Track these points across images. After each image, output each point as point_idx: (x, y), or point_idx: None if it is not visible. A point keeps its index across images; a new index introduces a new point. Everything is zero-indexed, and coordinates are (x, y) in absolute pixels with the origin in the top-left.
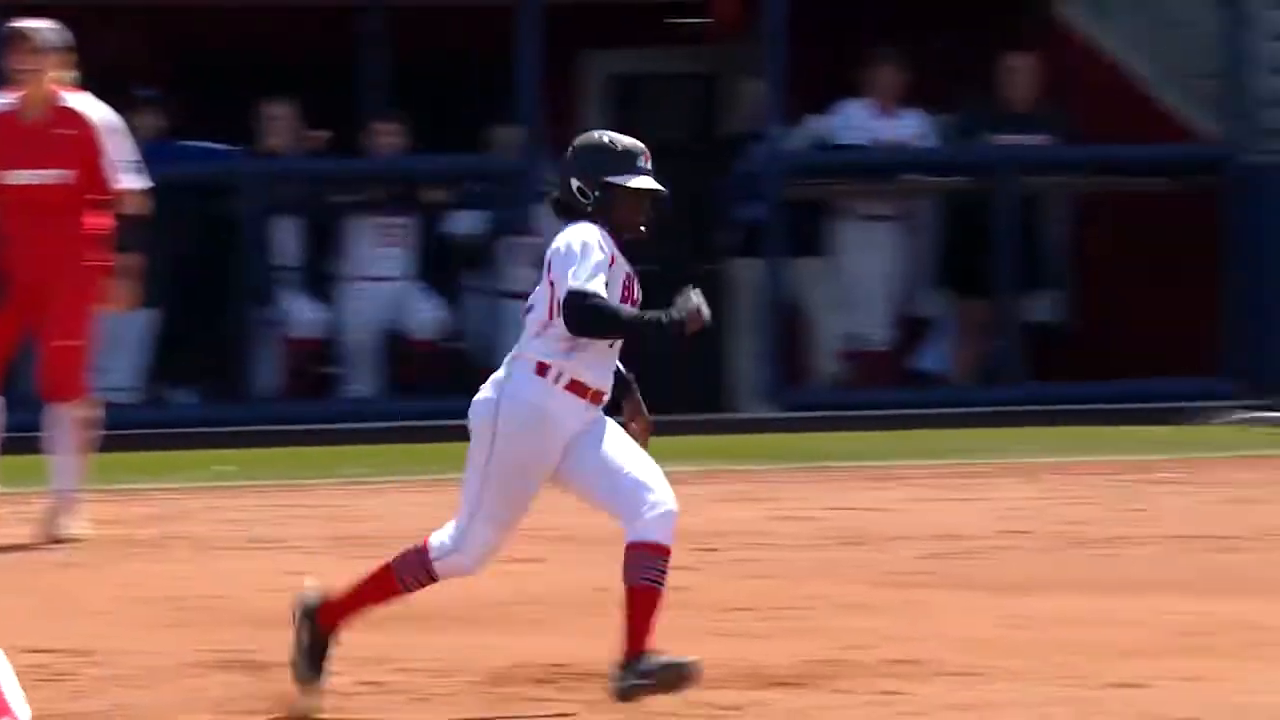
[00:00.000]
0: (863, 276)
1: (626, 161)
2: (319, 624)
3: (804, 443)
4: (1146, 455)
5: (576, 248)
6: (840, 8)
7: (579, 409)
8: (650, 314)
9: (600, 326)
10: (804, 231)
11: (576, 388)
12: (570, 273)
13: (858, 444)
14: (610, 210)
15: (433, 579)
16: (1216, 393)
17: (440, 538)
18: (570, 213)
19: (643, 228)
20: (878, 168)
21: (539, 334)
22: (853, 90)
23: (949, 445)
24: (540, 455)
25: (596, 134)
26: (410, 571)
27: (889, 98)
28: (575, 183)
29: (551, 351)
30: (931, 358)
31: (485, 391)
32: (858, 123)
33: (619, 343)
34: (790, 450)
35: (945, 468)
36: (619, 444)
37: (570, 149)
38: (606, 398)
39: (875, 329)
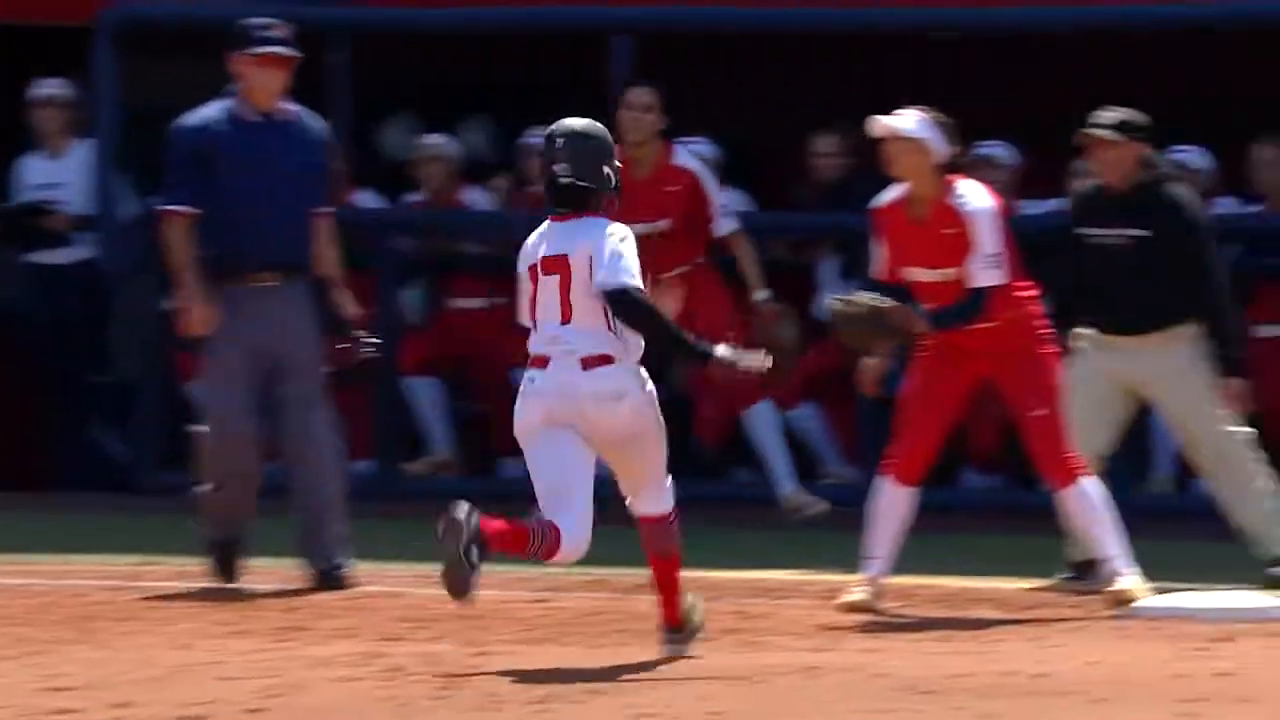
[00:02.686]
0: None
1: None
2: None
3: None
4: None
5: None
6: None
7: None
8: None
9: (651, 325)
10: None
11: None
12: (625, 267)
13: None
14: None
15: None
16: None
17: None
18: (580, 199)
19: None
20: None
21: (600, 327)
22: None
23: None
24: None
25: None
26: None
27: None
28: (607, 169)
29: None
30: None
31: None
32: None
33: None
34: None
35: None
36: None
37: (584, 135)
38: None
39: None
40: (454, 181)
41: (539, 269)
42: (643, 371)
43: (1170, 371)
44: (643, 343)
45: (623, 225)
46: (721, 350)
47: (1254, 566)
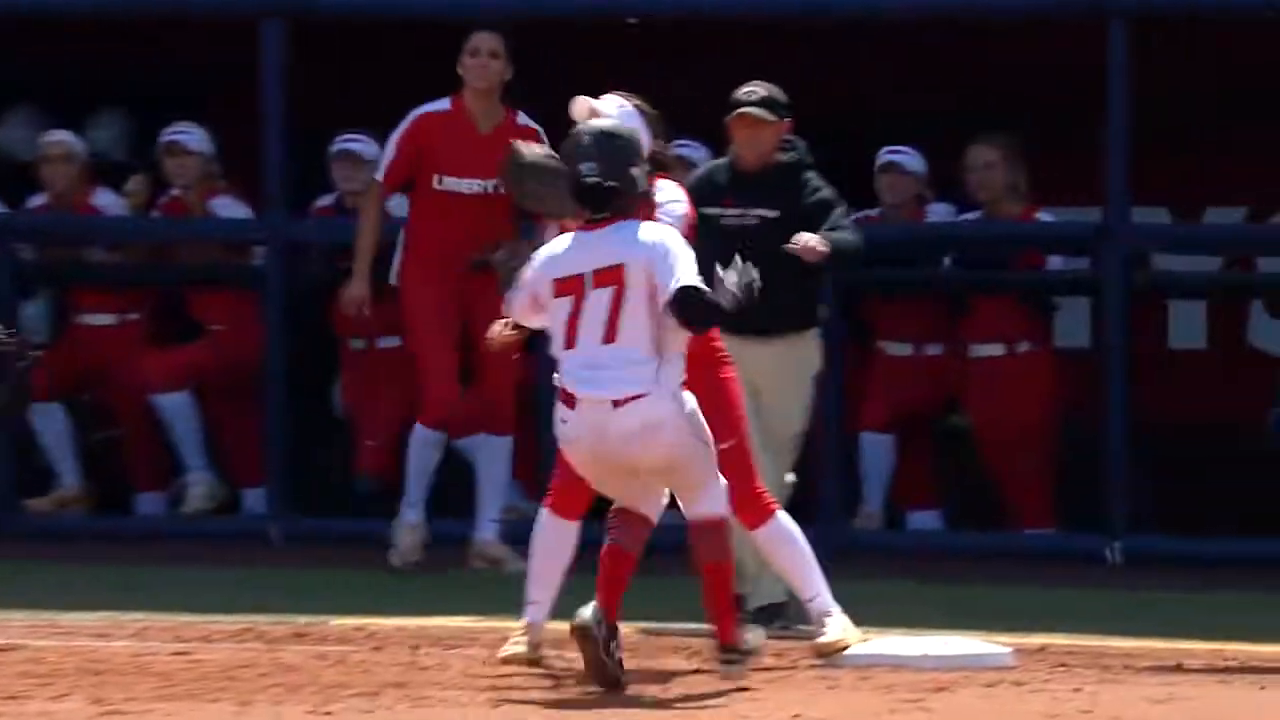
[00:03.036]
0: None
1: None
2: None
3: None
4: None
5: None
6: None
7: None
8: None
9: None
10: None
11: None
12: (689, 268)
13: None
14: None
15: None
16: None
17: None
18: (607, 201)
19: None
20: None
21: (640, 350)
22: None
23: None
24: None
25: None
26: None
27: None
28: (636, 171)
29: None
30: None
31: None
32: None
33: None
34: None
35: None
36: None
37: (612, 135)
38: None
39: None
40: (82, 183)
41: (587, 283)
42: (680, 390)
43: (784, 378)
44: (683, 361)
45: (663, 225)
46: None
47: (970, 608)
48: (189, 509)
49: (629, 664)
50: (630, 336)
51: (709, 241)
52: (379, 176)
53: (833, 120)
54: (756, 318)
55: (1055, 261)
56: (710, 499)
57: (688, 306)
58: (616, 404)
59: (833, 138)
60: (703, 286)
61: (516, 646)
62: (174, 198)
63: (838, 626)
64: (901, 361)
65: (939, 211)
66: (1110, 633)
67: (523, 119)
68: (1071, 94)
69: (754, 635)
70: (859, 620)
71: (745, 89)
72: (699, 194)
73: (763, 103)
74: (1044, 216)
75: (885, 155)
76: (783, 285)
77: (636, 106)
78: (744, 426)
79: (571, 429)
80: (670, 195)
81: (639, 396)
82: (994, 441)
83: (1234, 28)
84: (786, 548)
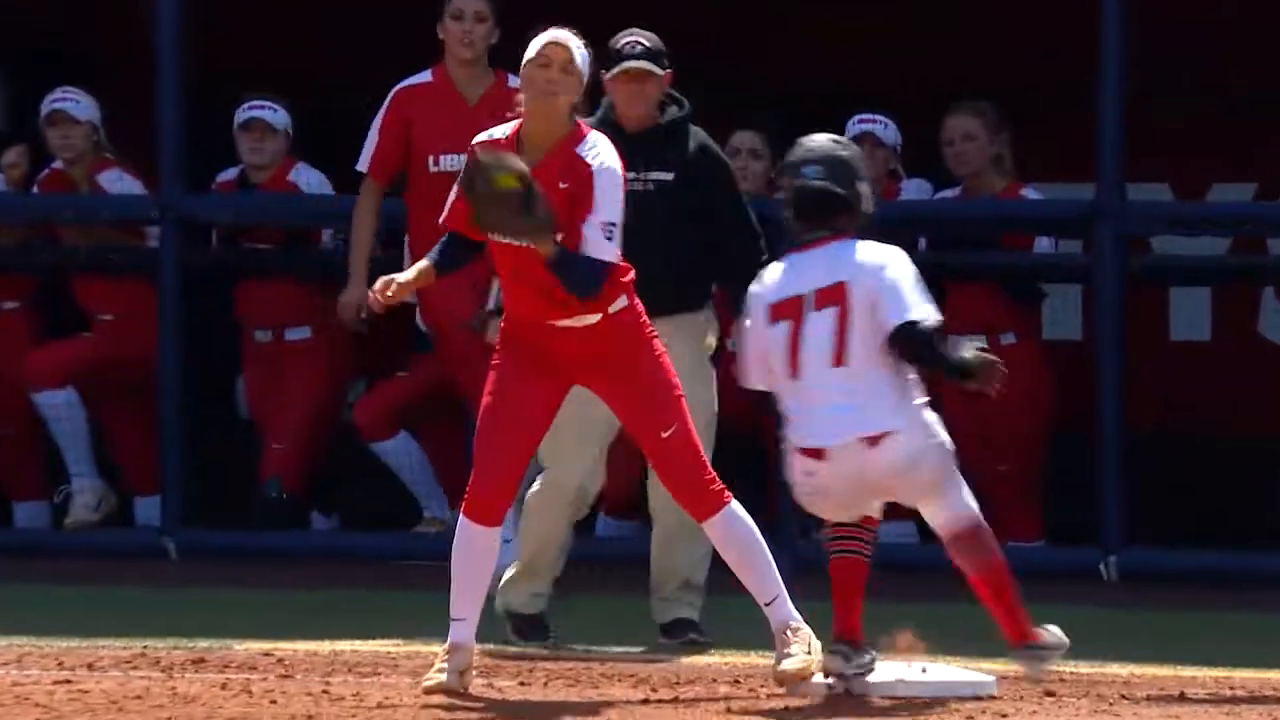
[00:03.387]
0: None
1: None
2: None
3: None
4: None
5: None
6: None
7: None
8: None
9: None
10: None
11: None
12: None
13: None
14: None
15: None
16: None
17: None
18: (831, 211)
19: None
20: None
21: (877, 370)
22: None
23: None
24: None
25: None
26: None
27: None
28: (862, 187)
29: None
30: None
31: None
32: None
33: None
34: None
35: None
36: None
37: (838, 145)
38: None
39: None
40: None
41: (807, 304)
42: (925, 413)
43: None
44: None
45: (893, 246)
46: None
47: (950, 629)
48: (73, 520)
49: (569, 696)
50: (861, 358)
51: None
52: (363, 168)
53: (794, 86)
54: (655, 296)
55: (1043, 244)
56: (954, 503)
57: (913, 345)
58: (872, 442)
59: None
60: (930, 326)
61: (440, 675)
62: (57, 171)
63: (801, 648)
64: None
65: (913, 189)
66: (1105, 657)
67: (514, 81)
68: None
69: (1053, 631)
70: (826, 644)
71: (625, 40)
72: None
73: (647, 54)
74: (1030, 194)
75: (857, 124)
76: (677, 257)
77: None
78: (685, 406)
79: (823, 480)
80: (601, 145)
81: (893, 433)
82: (975, 445)
83: None
84: (739, 542)
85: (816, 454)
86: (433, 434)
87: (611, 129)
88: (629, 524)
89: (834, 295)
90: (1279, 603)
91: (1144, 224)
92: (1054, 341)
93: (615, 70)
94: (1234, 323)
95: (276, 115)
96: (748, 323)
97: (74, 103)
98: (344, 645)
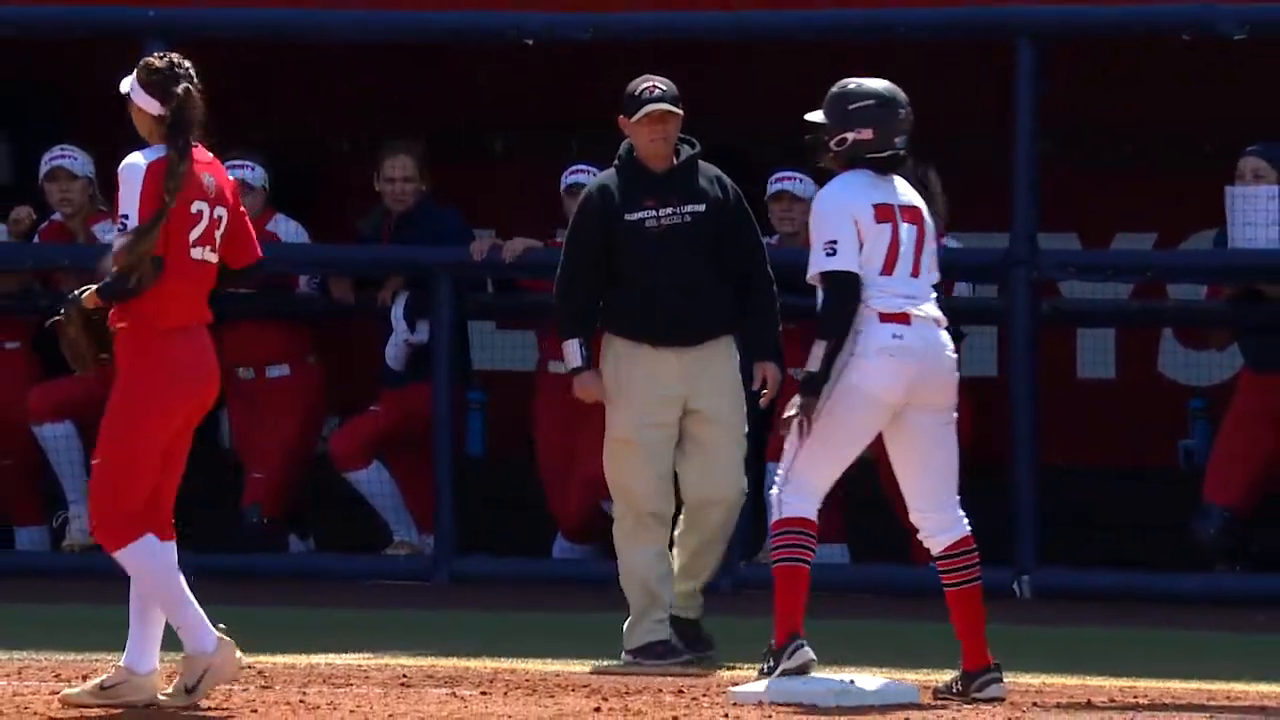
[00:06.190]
0: None
1: None
2: None
3: None
4: None
5: None
6: None
7: None
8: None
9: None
10: None
11: None
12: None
13: None
14: None
15: None
16: None
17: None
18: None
19: None
20: None
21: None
22: None
23: None
24: None
25: None
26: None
27: None
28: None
29: None
30: None
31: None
32: None
33: None
34: None
35: None
36: None
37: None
38: None
39: None
40: None
41: (899, 214)
42: None
43: (720, 380)
44: None
45: None
46: None
47: (875, 643)
48: (70, 543)
49: (526, 705)
50: (927, 275)
51: (639, 249)
52: None
53: (726, 139)
54: (685, 324)
55: (961, 288)
56: (956, 506)
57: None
58: (939, 323)
59: (725, 159)
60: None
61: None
62: (56, 223)
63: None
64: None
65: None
66: (1018, 669)
67: None
68: (979, 118)
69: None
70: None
71: (645, 85)
72: (607, 205)
73: (665, 96)
74: (951, 243)
75: (776, 182)
76: (717, 282)
77: None
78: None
79: (910, 341)
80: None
81: (948, 332)
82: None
83: (1144, 52)
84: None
85: (903, 318)
86: (401, 463)
87: (636, 169)
88: (583, 548)
89: (914, 215)
90: (1179, 619)
91: (1054, 270)
92: (972, 378)
93: (640, 114)
94: (1136, 361)
95: (254, 174)
96: (836, 210)
97: (73, 159)
98: (319, 659)
